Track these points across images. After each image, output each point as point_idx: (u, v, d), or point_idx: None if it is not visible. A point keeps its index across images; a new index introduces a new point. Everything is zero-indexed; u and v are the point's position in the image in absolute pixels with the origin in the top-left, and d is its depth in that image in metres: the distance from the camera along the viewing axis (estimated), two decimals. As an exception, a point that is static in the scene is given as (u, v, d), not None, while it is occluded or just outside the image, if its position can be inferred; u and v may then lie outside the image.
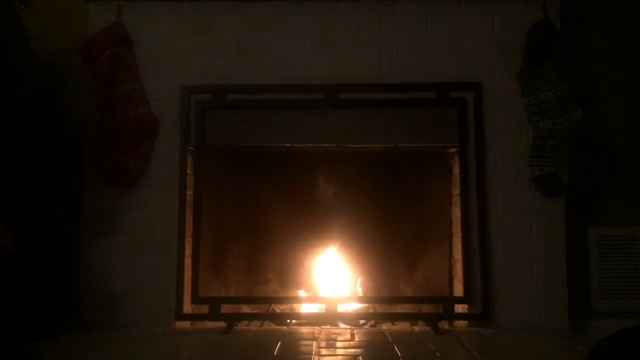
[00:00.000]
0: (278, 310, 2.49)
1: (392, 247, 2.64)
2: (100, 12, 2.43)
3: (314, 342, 2.07)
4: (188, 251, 2.37)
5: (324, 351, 1.95)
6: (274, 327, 2.40)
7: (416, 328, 2.38)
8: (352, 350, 1.97)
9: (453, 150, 2.47)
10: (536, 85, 2.38)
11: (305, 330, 2.32)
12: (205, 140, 2.42)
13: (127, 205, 2.39)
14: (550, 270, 2.35)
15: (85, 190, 2.40)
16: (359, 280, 2.60)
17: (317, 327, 2.35)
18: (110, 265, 2.35)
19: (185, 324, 2.37)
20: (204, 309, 2.35)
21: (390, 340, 2.11)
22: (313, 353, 1.91)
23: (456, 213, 2.44)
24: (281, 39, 2.45)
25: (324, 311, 2.40)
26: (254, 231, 2.66)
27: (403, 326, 2.42)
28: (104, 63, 2.36)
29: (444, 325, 2.35)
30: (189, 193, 2.41)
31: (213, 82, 2.43)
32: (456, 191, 2.45)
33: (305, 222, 2.66)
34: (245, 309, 2.52)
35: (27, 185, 2.14)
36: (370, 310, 2.46)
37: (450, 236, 2.52)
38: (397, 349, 1.97)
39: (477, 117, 2.41)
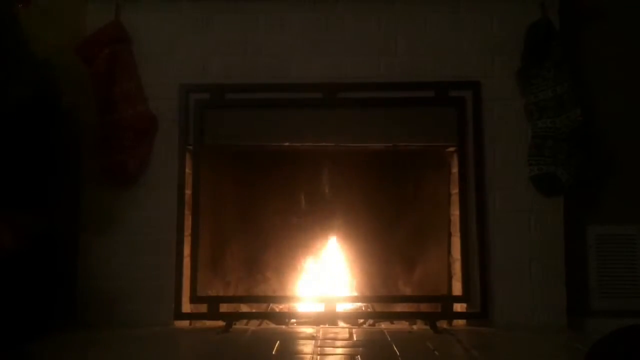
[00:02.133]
0: (277, 310, 2.49)
1: (391, 246, 2.64)
2: (98, 10, 2.42)
3: (313, 341, 2.07)
4: (187, 250, 2.37)
5: (322, 350, 1.95)
6: (272, 326, 2.40)
7: (415, 327, 2.38)
8: (351, 349, 1.97)
9: (452, 149, 2.47)
10: (535, 84, 2.38)
11: (304, 329, 2.32)
12: (204, 140, 2.42)
13: (126, 204, 2.39)
14: (549, 269, 2.35)
15: (84, 189, 2.40)
16: (357, 283, 2.60)
17: (315, 327, 2.34)
18: (109, 265, 2.35)
19: (184, 323, 2.37)
20: (203, 308, 2.35)
21: (389, 340, 2.11)
22: (312, 352, 1.91)
23: (455, 212, 2.44)
24: (280, 38, 2.45)
25: (322, 310, 2.40)
26: (253, 230, 2.66)
27: (402, 325, 2.42)
28: (102, 62, 2.36)
29: (442, 324, 2.35)
30: (188, 192, 2.41)
31: (212, 81, 2.43)
32: (455, 190, 2.45)
33: (304, 221, 2.66)
34: (244, 308, 2.52)
35: (26, 184, 2.14)
36: (369, 310, 2.47)
37: (449, 235, 2.52)
38: (395, 348, 1.97)
39: (475, 116, 2.41)
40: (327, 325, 2.37)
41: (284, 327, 2.37)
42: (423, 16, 2.45)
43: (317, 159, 2.62)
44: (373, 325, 2.42)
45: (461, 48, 2.44)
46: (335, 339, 2.15)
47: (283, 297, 2.54)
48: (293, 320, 2.42)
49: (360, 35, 2.45)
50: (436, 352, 1.92)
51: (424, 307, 2.50)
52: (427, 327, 2.30)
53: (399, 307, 2.51)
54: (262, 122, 2.42)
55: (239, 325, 2.37)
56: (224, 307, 2.39)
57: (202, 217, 2.40)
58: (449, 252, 2.51)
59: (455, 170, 2.46)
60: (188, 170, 2.43)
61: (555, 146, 2.36)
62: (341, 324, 2.41)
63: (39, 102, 2.12)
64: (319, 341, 2.08)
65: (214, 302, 2.36)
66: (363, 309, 2.48)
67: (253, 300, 2.56)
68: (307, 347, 1.98)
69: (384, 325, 2.41)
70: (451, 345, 2.07)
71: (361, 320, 2.43)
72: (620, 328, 1.50)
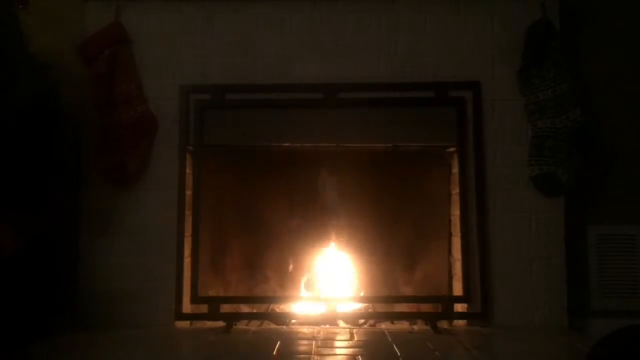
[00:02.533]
0: (277, 310, 2.49)
1: (392, 246, 2.64)
2: (98, 11, 2.42)
3: (313, 342, 2.07)
4: (187, 251, 2.37)
5: (323, 351, 1.95)
6: (273, 326, 2.40)
7: (415, 327, 2.38)
8: (352, 349, 1.98)
9: (452, 149, 2.47)
10: (535, 84, 2.38)
11: (304, 329, 2.31)
12: (205, 140, 2.42)
13: (126, 205, 2.39)
14: (549, 269, 2.35)
15: (85, 190, 2.40)
16: (357, 284, 2.60)
17: (316, 327, 2.34)
18: (109, 265, 2.35)
19: (184, 324, 2.37)
20: (204, 308, 2.35)
21: (390, 340, 2.11)
22: (312, 353, 1.91)
23: (455, 212, 2.44)
24: (280, 38, 2.45)
25: (323, 311, 2.40)
26: (253, 231, 2.66)
27: (402, 325, 2.42)
28: (102, 63, 2.36)
29: (443, 324, 2.35)
30: (188, 193, 2.41)
31: (212, 81, 2.43)
32: (455, 190, 2.45)
33: (305, 221, 2.66)
34: (245, 308, 2.52)
35: (26, 185, 2.14)
36: (369, 310, 2.46)
37: (450, 235, 2.52)
38: (396, 349, 1.97)
39: (476, 117, 2.40)
40: (327, 326, 2.37)
41: (284, 327, 2.37)
42: (423, 16, 2.45)
43: (317, 159, 2.62)
44: (374, 325, 2.42)
45: (461, 48, 2.44)
46: (335, 339, 2.15)
47: (284, 298, 2.54)
48: (294, 321, 2.42)
49: (360, 35, 2.45)
50: (437, 353, 1.92)
51: (424, 308, 2.49)
52: (428, 328, 2.30)
53: (400, 308, 2.50)
54: (263, 122, 2.42)
55: (240, 325, 2.37)
56: (224, 308, 2.39)
57: (202, 218, 2.40)
58: (450, 252, 2.51)
59: (455, 170, 2.46)
60: (188, 171, 2.43)
61: (555, 146, 2.36)
62: (342, 324, 2.41)
63: (39, 104, 2.12)
64: (319, 342, 2.08)
65: (214, 302, 2.36)
66: (364, 309, 2.48)
67: (254, 301, 2.55)
68: (307, 348, 1.98)
69: (384, 326, 2.41)
70: (452, 345, 2.07)
71: (362, 321, 2.43)
72: (621, 328, 1.50)
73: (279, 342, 2.04)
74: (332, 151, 2.54)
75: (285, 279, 2.64)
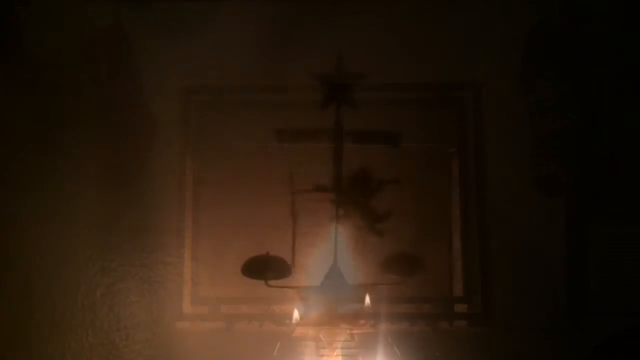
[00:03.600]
0: (278, 311, 2.48)
1: (392, 247, 2.63)
2: (99, 12, 2.42)
3: (314, 343, 2.07)
4: (188, 251, 2.38)
5: (323, 351, 1.94)
6: (273, 327, 2.40)
7: (416, 328, 2.38)
8: (352, 350, 1.97)
9: (453, 150, 2.47)
10: (536, 84, 2.38)
11: (305, 330, 2.31)
12: (205, 141, 2.42)
13: (126, 205, 2.38)
14: (550, 270, 2.35)
15: (85, 190, 2.40)
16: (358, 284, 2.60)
17: (317, 328, 2.34)
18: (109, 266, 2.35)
19: (185, 324, 2.37)
20: (204, 309, 2.35)
21: (390, 340, 2.11)
22: (312, 353, 1.91)
23: (455, 213, 2.44)
24: (280, 39, 2.44)
25: (323, 311, 2.40)
26: (254, 231, 2.66)
27: (403, 326, 2.42)
28: (103, 64, 2.36)
29: (443, 325, 2.35)
30: (189, 193, 2.42)
31: (212, 82, 2.43)
32: (456, 190, 2.45)
33: (305, 221, 2.66)
34: (245, 309, 2.52)
35: (27, 186, 2.14)
36: (370, 311, 2.46)
37: (450, 236, 2.52)
38: (396, 349, 1.96)
39: (476, 117, 2.41)
40: (328, 327, 2.36)
41: (285, 328, 2.37)
42: (423, 16, 2.45)
43: (317, 160, 2.62)
44: (374, 326, 2.42)
45: (461, 48, 2.44)
46: (336, 340, 2.14)
47: (284, 298, 2.54)
48: (294, 322, 2.41)
49: (360, 35, 2.44)
50: (437, 353, 1.92)
51: (425, 308, 2.49)
52: (429, 328, 2.30)
53: (400, 308, 2.50)
54: (262, 123, 2.42)
55: (240, 326, 2.37)
56: (225, 308, 2.39)
57: (203, 218, 2.41)
58: (450, 252, 2.51)
59: (456, 170, 2.46)
60: (188, 172, 2.43)
61: (555, 146, 2.36)
62: (342, 325, 2.40)
63: (38, 104, 2.12)
64: (319, 342, 2.08)
65: (215, 303, 2.36)
66: (364, 309, 2.47)
67: (254, 302, 2.55)
68: (308, 349, 1.98)
69: (385, 326, 2.41)
70: (452, 346, 2.07)
71: (362, 321, 2.43)
72: (622, 329, 1.50)
73: (279, 343, 2.04)
74: (332, 152, 2.53)
75: (285, 280, 2.64)
